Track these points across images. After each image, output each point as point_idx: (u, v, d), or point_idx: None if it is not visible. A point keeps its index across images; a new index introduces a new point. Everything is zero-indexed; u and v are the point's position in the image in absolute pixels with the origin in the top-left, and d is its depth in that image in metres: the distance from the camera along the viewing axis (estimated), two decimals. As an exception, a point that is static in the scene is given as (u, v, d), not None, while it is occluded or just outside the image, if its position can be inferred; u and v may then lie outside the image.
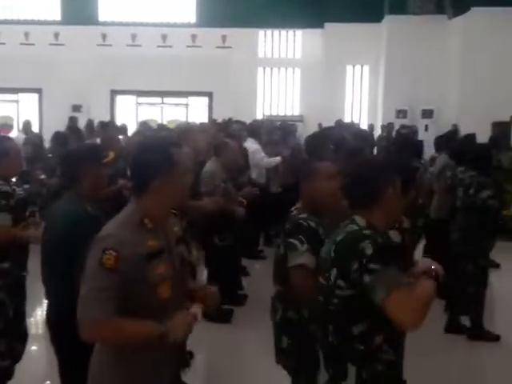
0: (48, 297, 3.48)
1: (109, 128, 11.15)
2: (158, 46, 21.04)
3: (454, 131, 10.92)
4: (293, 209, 3.40)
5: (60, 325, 3.19)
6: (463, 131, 9.31)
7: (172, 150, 2.52)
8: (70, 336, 2.66)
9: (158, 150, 2.51)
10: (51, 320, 3.40)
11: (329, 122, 15.80)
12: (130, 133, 10.83)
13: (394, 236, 3.47)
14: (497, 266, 7.83)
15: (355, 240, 2.17)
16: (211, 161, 5.87)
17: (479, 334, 5.72)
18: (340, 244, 2.22)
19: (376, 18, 20.50)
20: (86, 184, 3.36)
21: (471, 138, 8.15)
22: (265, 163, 8.52)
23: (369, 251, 2.11)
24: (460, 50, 18.39)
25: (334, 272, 2.18)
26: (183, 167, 2.54)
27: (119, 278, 2.34)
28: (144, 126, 11.16)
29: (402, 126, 14.22)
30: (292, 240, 3.08)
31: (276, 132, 10.53)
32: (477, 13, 17.45)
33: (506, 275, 6.07)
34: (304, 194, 3.36)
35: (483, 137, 13.11)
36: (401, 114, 19.84)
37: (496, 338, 5.70)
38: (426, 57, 19.12)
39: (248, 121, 12.00)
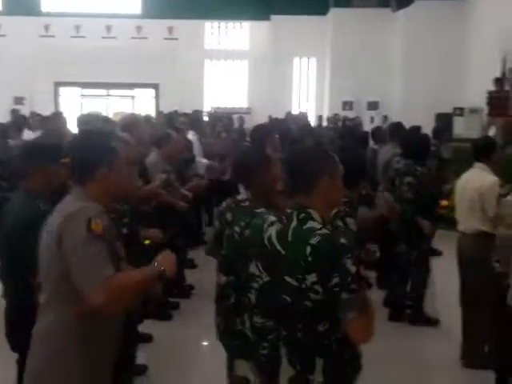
0: (7, 293, 3.45)
1: (53, 121, 10.86)
2: (103, 38, 20.74)
3: (399, 123, 11.03)
4: (242, 199, 3.37)
5: (19, 320, 3.20)
6: (408, 122, 9.46)
7: (113, 141, 2.68)
8: (27, 331, 2.66)
9: (100, 141, 2.66)
10: (10, 316, 3.38)
11: (277, 114, 15.89)
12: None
13: (351, 223, 3.51)
14: (439, 253, 8.01)
15: (338, 251, 2.15)
16: (153, 152, 5.83)
17: (420, 317, 5.87)
18: (319, 249, 2.15)
19: (321, 10, 20.68)
20: (40, 181, 3.32)
21: (416, 129, 8.32)
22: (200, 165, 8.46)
23: (352, 269, 2.13)
24: (403, 42, 18.71)
25: (311, 277, 2.14)
26: (123, 157, 2.67)
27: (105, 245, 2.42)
28: (90, 117, 10.92)
29: (345, 119, 14.39)
30: None
31: (219, 124, 10.53)
32: (420, 6, 17.78)
33: (447, 262, 6.23)
34: (257, 185, 3.31)
35: (427, 128, 13.39)
36: (347, 105, 20.08)
37: (435, 322, 5.87)
38: (371, 49, 19.39)
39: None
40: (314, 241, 2.17)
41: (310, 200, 2.29)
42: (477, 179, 4.74)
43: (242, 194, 3.43)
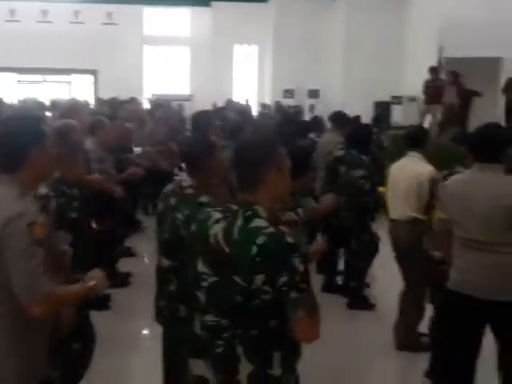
0: None
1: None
2: (39, 22, 20.18)
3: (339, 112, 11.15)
4: (187, 185, 3.37)
5: None
6: (347, 111, 9.55)
7: (41, 123, 2.63)
8: None
9: (28, 125, 2.58)
10: None
11: (219, 101, 15.84)
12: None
13: (301, 212, 3.52)
14: (378, 238, 8.12)
15: (285, 251, 2.14)
16: (88, 140, 5.73)
17: (357, 303, 5.97)
18: (265, 249, 2.13)
19: (264, -3, 20.68)
20: None
21: (357, 118, 8.42)
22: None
23: (301, 268, 2.13)
24: (343, 30, 18.86)
25: (260, 277, 2.13)
26: (50, 139, 2.63)
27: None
28: (28, 104, 10.66)
29: (279, 107, 14.41)
30: None
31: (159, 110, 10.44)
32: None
33: (384, 247, 6.36)
34: (202, 172, 3.33)
35: (366, 116, 13.57)
36: (288, 93, 20.15)
37: (372, 307, 5.98)
38: (312, 37, 19.48)
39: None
40: (260, 240, 2.14)
41: (257, 195, 2.26)
42: (412, 168, 4.80)
43: (186, 180, 3.43)
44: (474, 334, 3.45)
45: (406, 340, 4.94)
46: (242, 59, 22.38)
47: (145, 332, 5.58)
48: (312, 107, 19.07)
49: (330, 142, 7.44)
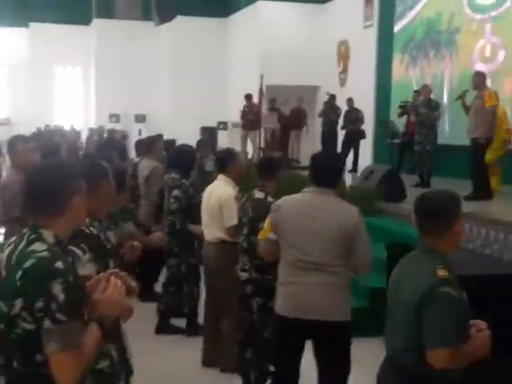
0: None
1: None
2: None
3: (158, 136, 11.09)
4: None
5: None
6: (176, 136, 9.56)
7: None
8: None
9: None
10: None
11: (41, 125, 15.20)
12: None
13: (112, 236, 3.37)
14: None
15: (46, 274, 2.02)
16: None
17: (195, 330, 5.87)
18: (27, 272, 2.02)
19: (84, 20, 20.28)
20: None
21: (172, 142, 8.42)
22: None
23: (61, 296, 2.01)
24: (169, 56, 18.99)
25: (18, 302, 2.01)
26: None
27: None
28: None
29: (102, 132, 14.09)
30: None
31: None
32: (182, 21, 18.20)
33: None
34: None
35: (193, 140, 13.65)
36: (114, 118, 19.82)
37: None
38: (137, 62, 19.39)
39: None
40: (27, 264, 2.04)
41: (56, 222, 2.15)
42: (218, 191, 4.89)
43: None
44: (299, 355, 3.50)
45: (225, 365, 4.93)
46: (66, 81, 21.68)
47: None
48: (140, 131, 18.92)
49: (146, 166, 7.36)
